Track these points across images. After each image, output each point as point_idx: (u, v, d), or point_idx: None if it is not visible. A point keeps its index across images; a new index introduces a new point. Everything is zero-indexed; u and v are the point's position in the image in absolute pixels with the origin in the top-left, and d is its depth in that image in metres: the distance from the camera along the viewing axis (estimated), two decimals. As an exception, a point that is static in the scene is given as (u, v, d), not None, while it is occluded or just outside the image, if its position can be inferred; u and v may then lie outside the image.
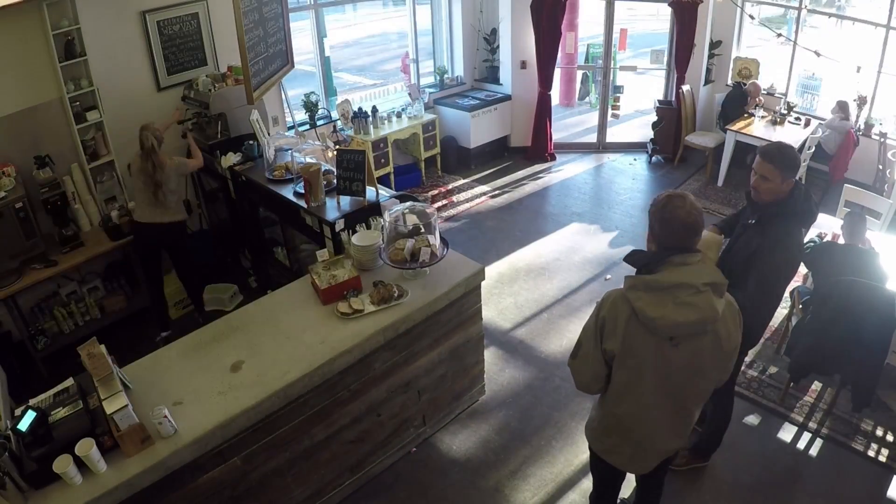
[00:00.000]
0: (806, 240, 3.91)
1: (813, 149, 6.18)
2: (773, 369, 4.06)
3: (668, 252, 2.00)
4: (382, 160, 6.38)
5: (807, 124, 6.33)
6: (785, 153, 2.59)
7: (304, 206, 3.88)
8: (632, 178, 6.99)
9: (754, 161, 2.69)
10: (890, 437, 3.53)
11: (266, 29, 4.56)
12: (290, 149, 4.38)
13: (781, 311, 4.45)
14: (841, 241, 3.84)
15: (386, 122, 6.51)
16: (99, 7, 4.46)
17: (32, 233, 4.09)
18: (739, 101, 6.77)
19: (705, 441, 3.30)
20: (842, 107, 6.12)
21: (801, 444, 3.52)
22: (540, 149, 7.37)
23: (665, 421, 2.21)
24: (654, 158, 7.31)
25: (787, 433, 3.59)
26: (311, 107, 6.06)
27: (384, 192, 4.03)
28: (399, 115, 6.65)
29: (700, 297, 1.94)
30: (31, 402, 2.51)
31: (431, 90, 7.19)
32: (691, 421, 2.30)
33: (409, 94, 6.86)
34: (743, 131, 6.38)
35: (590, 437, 2.44)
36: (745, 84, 6.82)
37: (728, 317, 2.06)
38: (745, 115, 6.61)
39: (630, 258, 2.13)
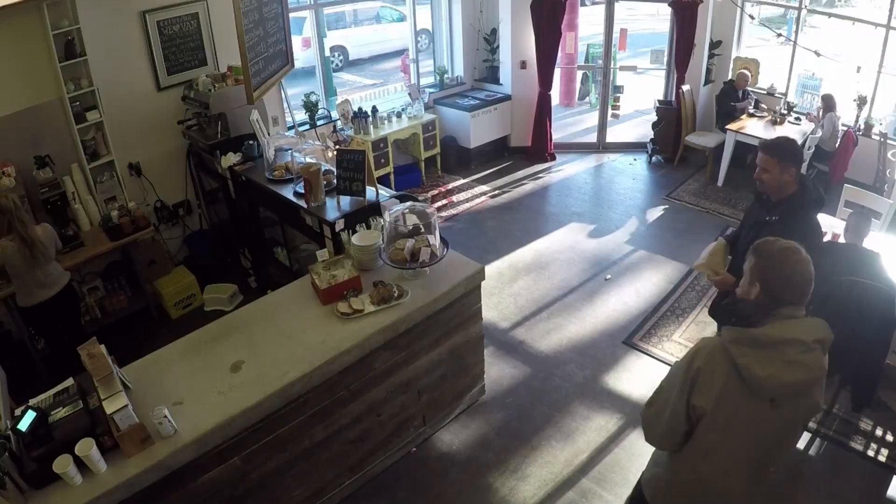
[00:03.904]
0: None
1: (813, 149, 6.18)
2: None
3: (779, 304, 1.81)
4: (382, 160, 6.38)
5: (811, 119, 6.32)
6: (781, 143, 2.67)
7: (304, 206, 3.88)
8: (632, 178, 6.99)
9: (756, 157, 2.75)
10: (890, 437, 3.53)
11: (266, 29, 4.57)
12: (290, 149, 4.38)
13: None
14: (841, 240, 3.84)
15: (386, 122, 6.51)
16: (99, 7, 4.45)
17: (32, 233, 4.09)
18: (730, 96, 6.79)
19: None
20: (825, 100, 6.15)
21: (801, 444, 3.52)
22: (540, 149, 7.37)
23: (741, 489, 1.98)
24: (654, 158, 7.31)
25: (787, 433, 3.59)
26: (311, 107, 6.06)
27: (384, 192, 4.03)
28: (399, 115, 6.65)
29: (810, 356, 1.76)
30: (31, 402, 2.51)
31: (431, 90, 7.19)
32: (766, 490, 2.07)
33: (409, 94, 6.86)
34: (743, 131, 6.38)
35: (652, 497, 2.18)
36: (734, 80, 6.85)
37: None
38: (745, 114, 6.61)
39: (734, 309, 1.94)
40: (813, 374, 1.78)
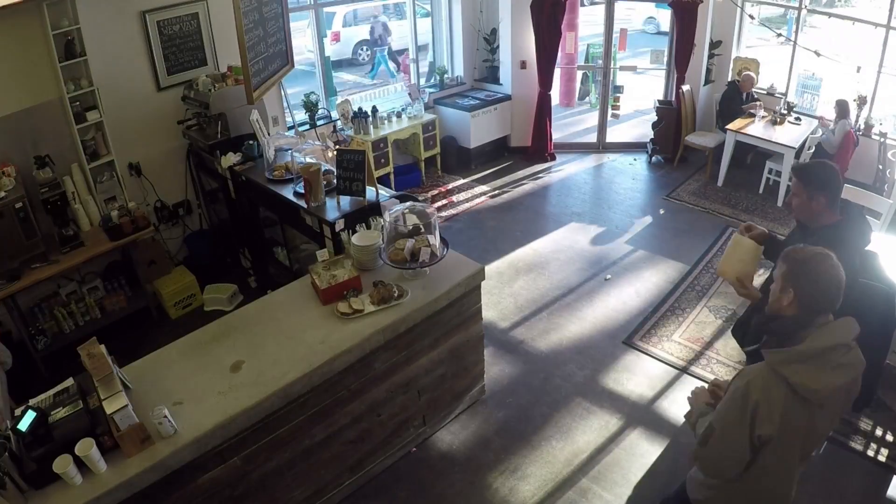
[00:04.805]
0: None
1: (813, 149, 6.18)
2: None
3: (813, 314, 1.86)
4: (382, 160, 6.38)
5: (824, 124, 6.28)
6: (810, 168, 2.47)
7: (304, 206, 3.88)
8: (632, 178, 6.99)
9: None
10: (890, 437, 3.53)
11: (266, 29, 4.57)
12: (290, 149, 4.38)
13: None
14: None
15: (386, 122, 6.51)
16: (99, 7, 4.45)
17: (32, 233, 4.09)
18: (734, 97, 6.78)
19: None
20: (841, 106, 6.12)
21: (801, 444, 3.52)
22: (540, 149, 7.37)
23: (793, 486, 2.06)
24: (654, 158, 7.31)
25: (786, 433, 3.59)
26: (311, 107, 6.06)
27: (384, 192, 4.03)
28: (399, 115, 6.65)
29: (852, 354, 1.85)
30: (31, 402, 2.51)
31: (431, 90, 7.19)
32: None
33: (409, 94, 6.86)
34: (743, 131, 6.37)
35: (700, 497, 2.20)
36: (738, 80, 6.82)
37: None
38: (746, 114, 6.60)
39: (767, 329, 1.97)
40: (857, 370, 1.87)
